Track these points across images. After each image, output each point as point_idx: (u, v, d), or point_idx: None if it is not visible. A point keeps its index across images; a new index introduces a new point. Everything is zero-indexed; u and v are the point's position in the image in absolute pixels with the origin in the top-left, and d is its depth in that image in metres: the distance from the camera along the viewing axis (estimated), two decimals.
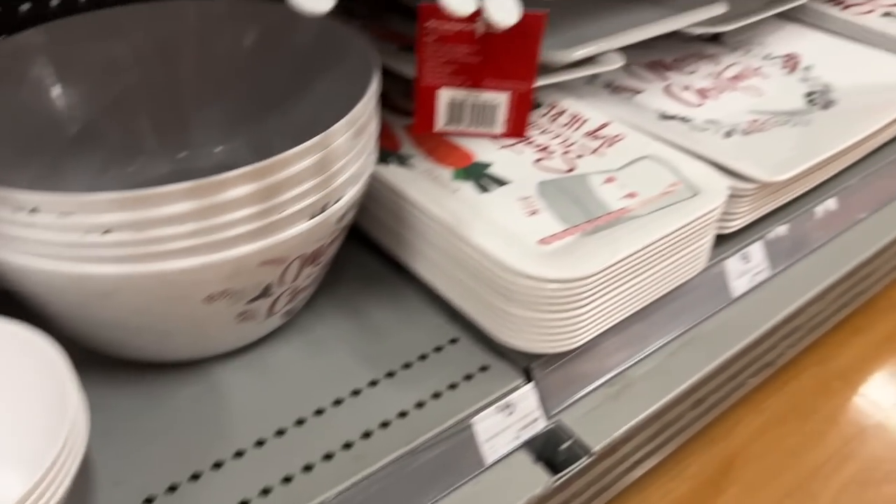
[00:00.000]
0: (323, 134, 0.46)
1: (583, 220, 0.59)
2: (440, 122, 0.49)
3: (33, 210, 0.42)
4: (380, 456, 0.50)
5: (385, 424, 0.52)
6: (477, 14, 0.40)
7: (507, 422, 0.54)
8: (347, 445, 0.51)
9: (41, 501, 0.36)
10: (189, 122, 0.64)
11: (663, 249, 0.58)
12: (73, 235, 0.42)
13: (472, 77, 0.47)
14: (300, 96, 0.63)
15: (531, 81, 0.47)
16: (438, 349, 0.58)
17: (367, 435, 0.51)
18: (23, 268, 0.44)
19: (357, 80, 0.53)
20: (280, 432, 0.51)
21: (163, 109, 0.63)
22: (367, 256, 0.65)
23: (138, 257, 0.43)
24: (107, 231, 0.42)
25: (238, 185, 0.43)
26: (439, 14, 0.42)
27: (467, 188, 0.62)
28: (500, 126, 0.50)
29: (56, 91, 0.58)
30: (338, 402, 0.54)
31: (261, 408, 0.53)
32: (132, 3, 0.60)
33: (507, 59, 0.46)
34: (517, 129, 0.49)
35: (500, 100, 0.48)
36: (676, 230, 0.57)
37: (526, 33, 0.44)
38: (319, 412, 0.53)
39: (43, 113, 0.58)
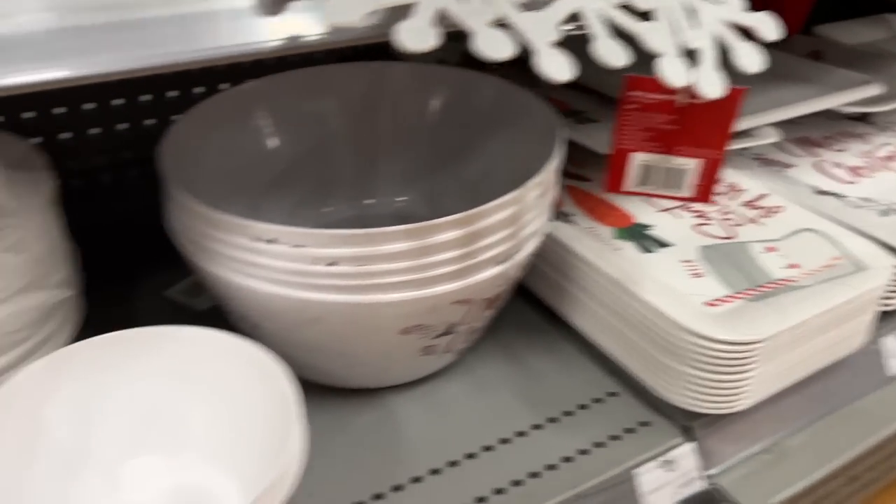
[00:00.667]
0: (520, 189, 0.50)
1: (747, 286, 0.60)
2: (631, 183, 0.53)
3: (271, 240, 0.47)
4: (548, 496, 0.52)
5: (551, 467, 0.55)
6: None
7: (667, 478, 0.56)
8: (517, 483, 0.53)
9: None
10: (377, 172, 0.69)
11: (828, 321, 0.58)
12: (301, 265, 0.47)
13: (666, 143, 0.50)
14: (472, 154, 0.68)
15: (723, 150, 0.50)
16: (597, 400, 0.60)
17: (534, 475, 0.54)
18: (252, 290, 0.49)
19: (536, 142, 0.57)
20: (453, 463, 0.55)
21: (356, 159, 0.69)
22: (525, 307, 0.69)
23: (355, 288, 0.48)
24: (331, 263, 0.47)
25: (448, 230, 0.48)
26: (645, 85, 0.45)
27: (629, 248, 0.65)
28: (687, 190, 0.53)
29: (269, 136, 0.65)
30: (504, 441, 0.57)
31: (433, 439, 0.56)
32: (336, 63, 0.67)
33: (702, 128, 0.49)
34: (704, 193, 0.52)
35: (690, 165, 0.51)
36: (843, 303, 0.58)
37: (724, 105, 0.47)
38: (488, 448, 0.56)
39: (255, 155, 0.65)
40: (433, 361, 0.58)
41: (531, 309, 0.69)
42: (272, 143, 0.66)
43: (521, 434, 0.57)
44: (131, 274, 0.65)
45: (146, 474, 0.50)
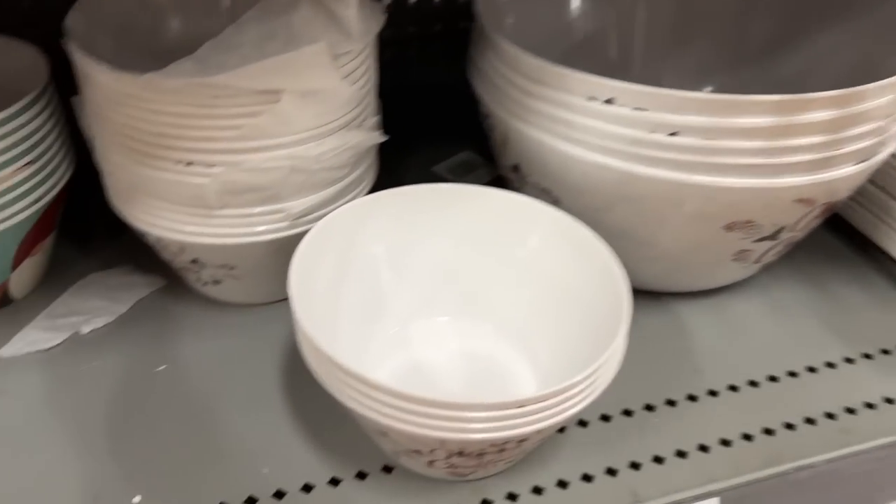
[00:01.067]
0: None
1: None
2: None
3: (608, 100, 0.42)
4: (870, 436, 0.45)
5: (870, 406, 0.47)
6: None
7: None
8: (830, 416, 0.47)
9: (574, 402, 0.35)
10: (667, 59, 0.63)
11: None
12: (637, 131, 0.42)
13: None
14: (787, 48, 0.59)
15: None
16: None
17: (850, 411, 0.47)
18: (568, 157, 0.45)
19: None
20: (753, 383, 0.49)
21: (646, 44, 0.63)
22: (827, 233, 0.60)
23: (694, 166, 0.42)
24: (673, 133, 0.42)
25: (820, 109, 0.41)
26: None
27: None
28: None
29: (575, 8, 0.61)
30: (811, 370, 0.50)
31: (728, 354, 0.51)
32: None
33: None
34: None
35: None
36: None
37: None
38: (793, 374, 0.50)
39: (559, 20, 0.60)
40: (735, 271, 0.52)
41: (834, 234, 0.60)
42: (577, 11, 0.61)
43: (830, 365, 0.50)
44: (402, 145, 0.62)
45: (437, 334, 0.48)
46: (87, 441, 0.43)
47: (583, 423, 0.46)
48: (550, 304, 0.45)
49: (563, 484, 0.43)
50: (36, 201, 0.47)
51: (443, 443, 0.35)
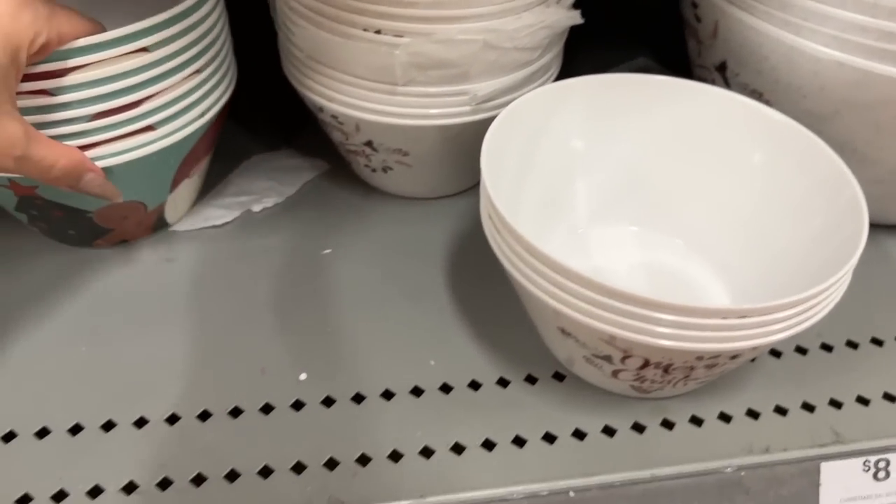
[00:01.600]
0: None
1: None
2: None
3: None
4: None
5: None
6: None
7: None
8: None
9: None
10: None
11: None
12: (889, 22, 0.36)
13: None
14: None
15: None
16: None
17: None
18: (793, 50, 0.39)
19: None
20: None
21: None
22: None
23: None
24: None
25: None
26: None
27: None
28: None
29: None
30: None
31: None
32: None
33: None
34: None
35: None
36: None
37: None
38: None
39: None
40: None
41: None
42: None
43: None
44: (576, 45, 0.57)
45: (619, 242, 0.44)
46: (254, 315, 0.43)
47: (776, 354, 0.42)
48: (760, 219, 0.40)
49: (753, 413, 0.39)
50: (202, 114, 0.42)
51: (652, 350, 0.32)
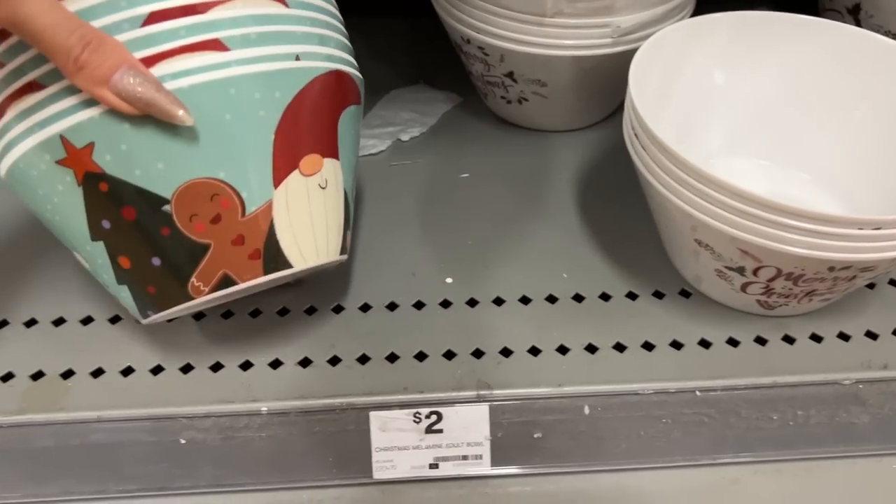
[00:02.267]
0: None
1: None
2: None
3: None
4: None
5: None
6: None
7: None
8: None
9: None
10: None
11: None
12: None
13: None
14: None
15: None
16: None
17: None
18: None
19: None
20: None
21: None
22: None
23: None
24: None
25: None
26: None
27: None
28: None
29: None
30: None
31: None
32: None
33: None
34: None
35: None
36: None
37: None
38: None
39: None
40: None
41: None
42: None
43: None
44: None
45: (746, 175, 0.46)
46: (404, 227, 0.47)
47: (894, 283, 0.44)
48: (888, 155, 0.42)
49: (871, 335, 0.41)
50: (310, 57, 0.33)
51: (786, 259, 0.35)
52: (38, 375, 0.39)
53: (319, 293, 0.43)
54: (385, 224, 0.47)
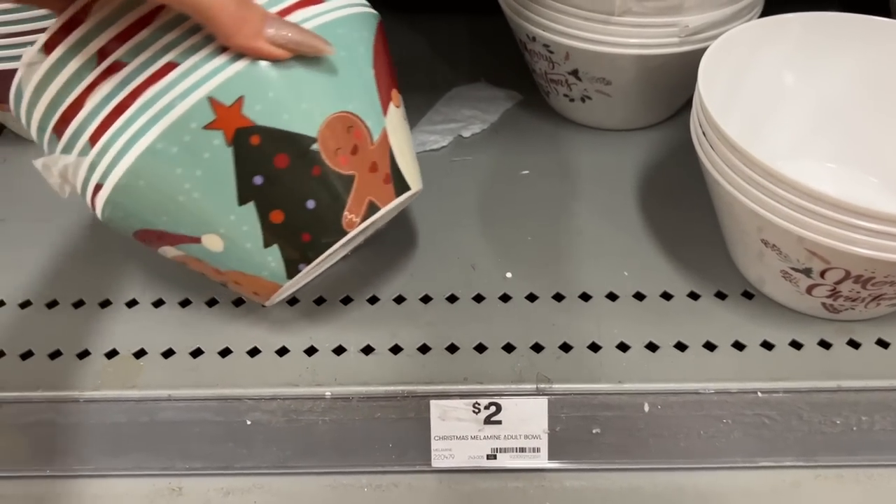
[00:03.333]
0: None
1: None
2: None
3: None
4: None
5: None
6: None
7: None
8: None
9: None
10: None
11: None
12: None
13: None
14: None
15: None
16: None
17: None
18: None
19: None
20: None
21: None
22: None
23: None
24: None
25: None
26: None
27: None
28: None
29: None
30: None
31: None
32: None
33: None
34: None
35: None
36: None
37: None
38: None
39: None
40: None
41: None
42: None
43: None
44: None
45: (814, 177, 0.45)
46: (465, 220, 0.48)
47: None
48: None
49: None
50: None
51: (855, 261, 0.34)
52: (112, 354, 0.41)
53: (381, 283, 0.44)
54: (446, 218, 0.48)
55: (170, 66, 0.31)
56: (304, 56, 0.32)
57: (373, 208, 0.35)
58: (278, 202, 0.33)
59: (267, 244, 0.34)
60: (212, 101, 0.31)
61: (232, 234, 0.34)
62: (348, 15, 0.34)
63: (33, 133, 0.34)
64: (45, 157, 0.33)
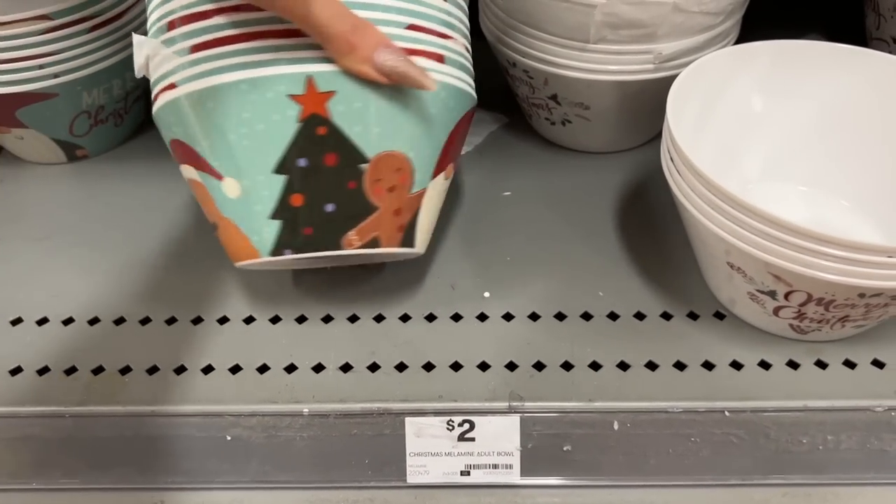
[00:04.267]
0: None
1: None
2: None
3: None
4: None
5: None
6: None
7: None
8: None
9: None
10: None
11: None
12: None
13: None
14: None
15: None
16: None
17: None
18: None
19: None
20: None
21: None
22: None
23: None
24: None
25: None
26: None
27: None
28: None
29: None
30: None
31: None
32: None
33: None
34: None
35: None
36: None
37: None
38: None
39: None
40: None
41: None
42: None
43: None
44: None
45: (785, 200, 0.47)
46: (446, 240, 0.49)
47: None
48: None
49: None
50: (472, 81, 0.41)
51: (816, 284, 0.35)
52: (98, 370, 0.42)
53: (362, 302, 0.45)
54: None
55: (296, 33, 0.33)
56: (406, 89, 0.35)
57: (374, 243, 0.37)
58: (306, 189, 0.35)
59: (273, 216, 0.36)
60: (309, 80, 0.34)
61: (252, 190, 0.36)
62: (455, 86, 0.38)
63: (150, 10, 0.37)
64: (144, 38, 0.36)
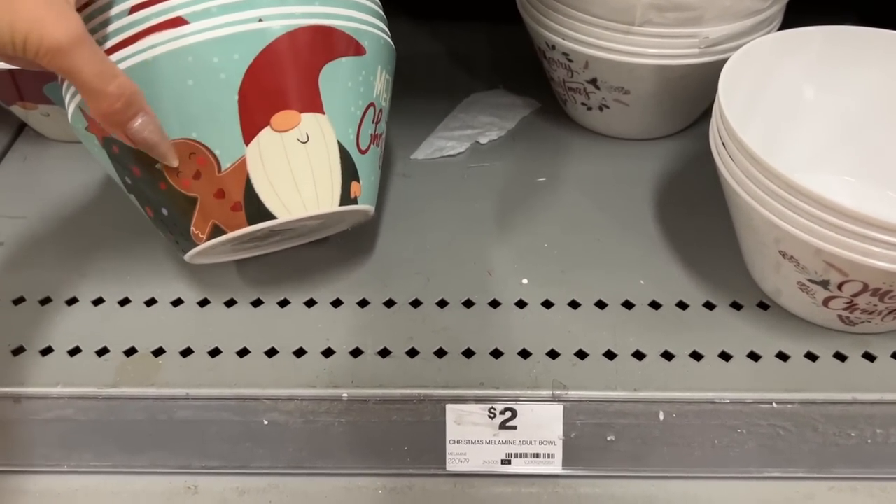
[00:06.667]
0: None
1: None
2: None
3: None
4: None
5: None
6: None
7: None
8: None
9: None
10: None
11: None
12: None
13: None
14: None
15: None
16: None
17: None
18: None
19: None
20: None
21: None
22: None
23: None
24: None
25: None
26: None
27: None
28: None
29: None
30: None
31: None
32: None
33: None
34: None
35: None
36: None
37: None
38: None
39: None
40: None
41: None
42: None
43: None
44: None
45: (830, 191, 0.45)
46: (481, 226, 0.48)
47: None
48: None
49: None
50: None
51: (874, 274, 0.34)
52: (130, 352, 0.41)
53: (398, 287, 0.44)
54: (463, 224, 0.48)
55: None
56: (155, 84, 0.34)
57: (218, 231, 0.36)
58: (144, 202, 0.38)
59: (154, 225, 0.39)
60: (82, 111, 0.36)
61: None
62: (211, 40, 0.33)
63: None
64: None
